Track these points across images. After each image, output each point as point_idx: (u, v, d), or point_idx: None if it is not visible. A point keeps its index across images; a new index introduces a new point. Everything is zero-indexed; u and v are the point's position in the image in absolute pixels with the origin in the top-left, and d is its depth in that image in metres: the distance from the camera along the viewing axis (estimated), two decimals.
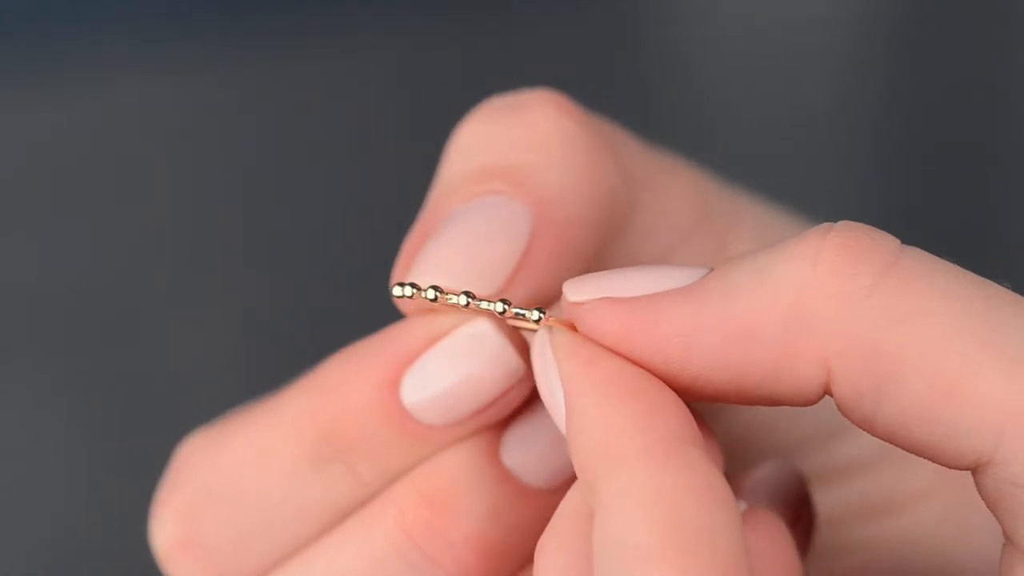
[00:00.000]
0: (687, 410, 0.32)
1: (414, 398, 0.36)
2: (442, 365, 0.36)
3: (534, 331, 0.35)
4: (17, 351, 0.94)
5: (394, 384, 0.36)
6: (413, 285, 0.35)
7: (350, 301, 0.91)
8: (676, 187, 0.40)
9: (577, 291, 0.34)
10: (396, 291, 0.36)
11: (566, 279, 0.35)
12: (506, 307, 0.35)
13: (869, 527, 0.43)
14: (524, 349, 0.37)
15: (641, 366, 0.33)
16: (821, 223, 0.42)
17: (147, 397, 0.90)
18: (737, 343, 0.32)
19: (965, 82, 1.09)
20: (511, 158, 0.37)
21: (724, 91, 1.10)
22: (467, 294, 0.35)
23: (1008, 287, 0.32)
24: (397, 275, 0.37)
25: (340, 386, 0.37)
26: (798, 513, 0.38)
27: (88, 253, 0.98)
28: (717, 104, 1.10)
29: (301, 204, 1.02)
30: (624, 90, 1.07)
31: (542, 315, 0.34)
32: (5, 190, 1.02)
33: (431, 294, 0.35)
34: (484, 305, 0.35)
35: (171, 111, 1.06)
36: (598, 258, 0.38)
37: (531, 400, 0.38)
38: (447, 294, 0.35)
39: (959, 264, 0.32)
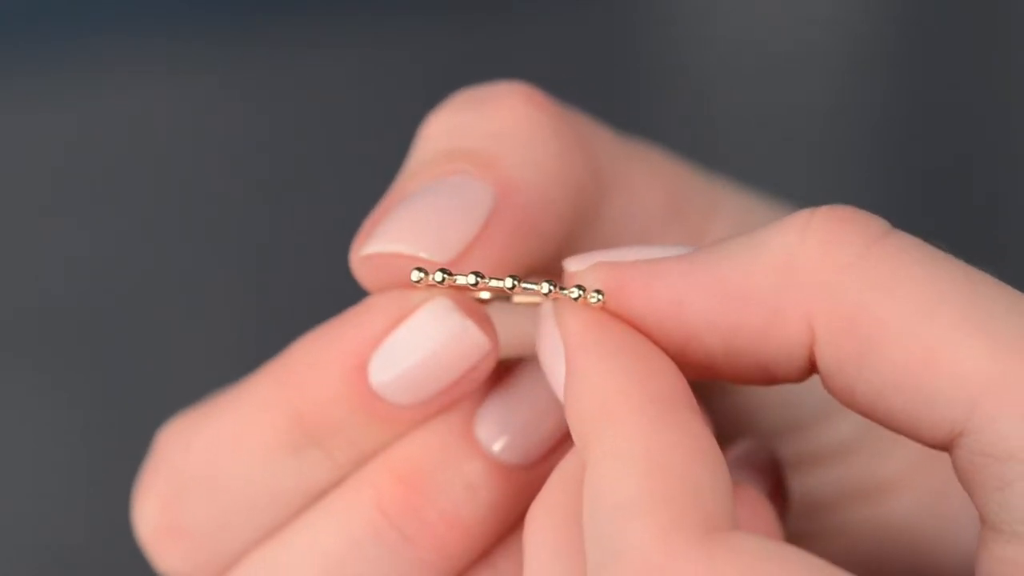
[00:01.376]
0: (683, 378, 0.33)
1: (381, 378, 0.36)
2: (407, 344, 0.36)
3: (535, 303, 0.36)
4: (18, 351, 0.94)
5: (361, 367, 0.36)
6: (420, 269, 0.36)
7: (352, 300, 0.90)
8: (649, 176, 0.41)
9: (577, 264, 0.35)
10: (414, 276, 0.36)
11: (523, 260, 0.37)
12: (515, 283, 0.35)
13: (847, 513, 0.43)
14: (486, 324, 0.37)
15: (637, 328, 0.34)
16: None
17: (147, 397, 0.90)
18: (726, 303, 0.33)
19: (965, 83, 1.09)
20: (476, 143, 0.38)
21: (723, 92, 1.10)
22: (476, 273, 0.35)
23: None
24: (356, 246, 0.37)
25: (309, 372, 0.37)
26: (772, 492, 0.39)
27: (88, 253, 0.98)
28: (716, 104, 1.10)
29: (301, 204, 1.02)
30: (623, 90, 1.07)
31: (552, 287, 0.35)
32: (5, 190, 1.02)
33: (439, 276, 0.35)
34: (493, 283, 0.35)
35: (171, 111, 1.06)
36: (568, 245, 0.39)
37: (504, 377, 0.38)
38: (455, 275, 0.35)
39: None
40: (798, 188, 1.00)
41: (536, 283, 0.35)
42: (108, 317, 0.95)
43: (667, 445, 0.31)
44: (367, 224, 0.38)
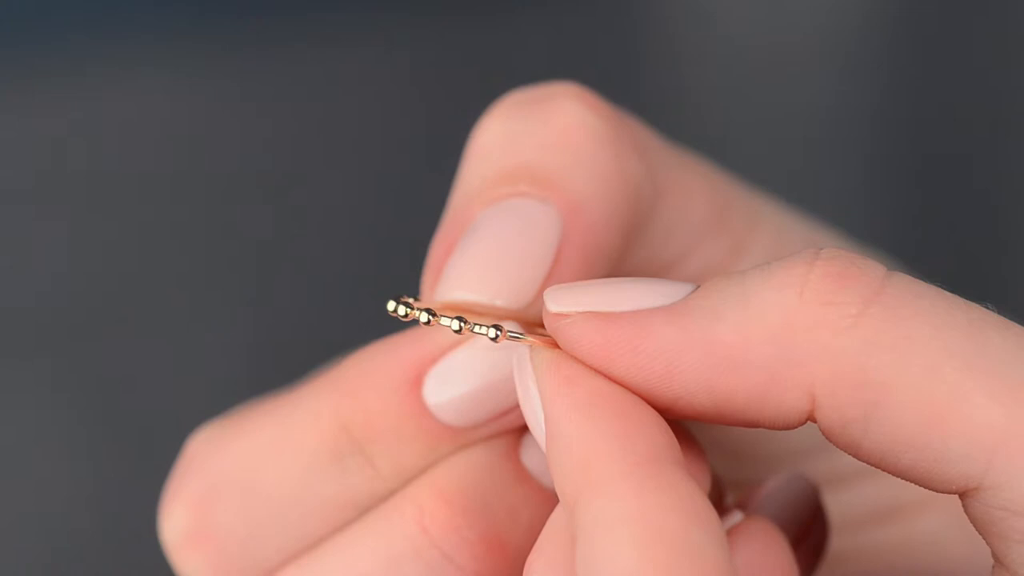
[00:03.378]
0: (668, 429, 0.32)
1: (436, 399, 0.36)
2: (466, 368, 0.36)
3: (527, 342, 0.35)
4: (19, 351, 0.94)
5: (417, 383, 0.36)
6: (407, 304, 0.35)
7: (352, 300, 0.91)
8: (696, 186, 0.40)
9: (559, 301, 0.33)
10: (390, 306, 0.35)
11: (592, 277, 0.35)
12: (498, 332, 0.34)
13: (874, 533, 0.43)
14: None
15: (621, 384, 0.32)
16: (834, 227, 0.42)
17: (148, 397, 0.90)
18: (721, 367, 0.32)
19: (965, 83, 1.09)
20: (535, 158, 0.37)
21: (723, 92, 1.10)
22: (459, 319, 0.35)
23: (992, 309, 0.32)
24: (427, 288, 0.37)
25: (363, 383, 0.36)
26: (810, 526, 0.38)
27: (88, 253, 0.98)
28: (716, 105, 1.10)
29: (301, 203, 1.02)
30: (622, 90, 1.07)
31: (499, 331, 0.34)
32: (5, 191, 1.02)
33: (424, 317, 0.35)
34: (478, 329, 0.35)
35: (171, 111, 1.06)
36: (621, 259, 0.38)
37: None
38: (440, 316, 0.35)
39: (958, 269, 0.32)
40: (798, 188, 1.00)
41: (521, 335, 0.34)
42: (108, 317, 0.95)
43: (659, 509, 0.30)
44: (433, 259, 0.37)
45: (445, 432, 0.36)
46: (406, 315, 0.35)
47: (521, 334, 0.34)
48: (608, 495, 0.30)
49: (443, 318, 0.35)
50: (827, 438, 0.32)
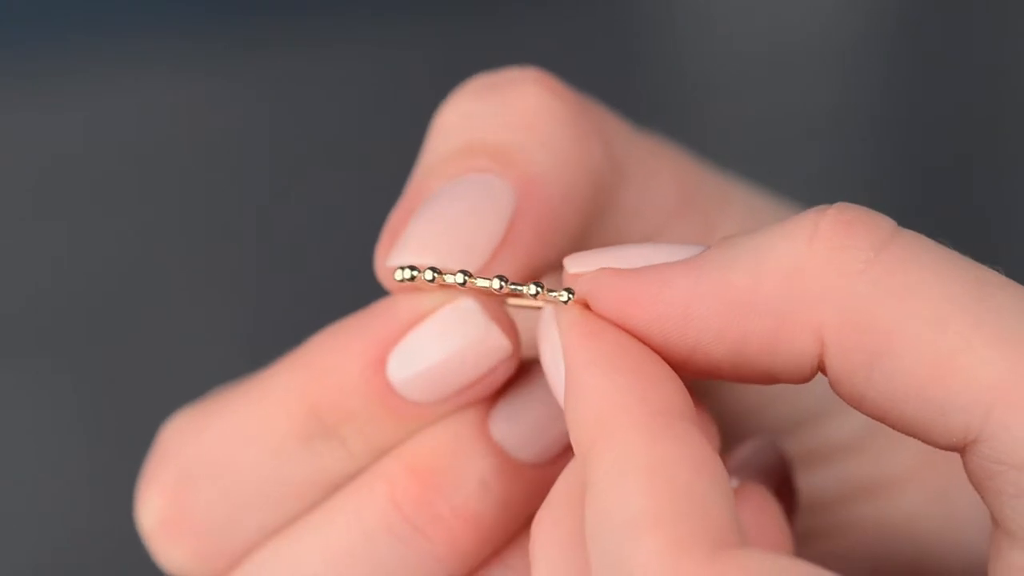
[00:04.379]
0: (683, 386, 0.33)
1: (400, 375, 0.36)
2: (428, 343, 0.36)
3: (536, 307, 0.35)
4: (19, 351, 0.94)
5: (380, 362, 0.36)
6: (412, 267, 0.35)
7: (352, 299, 0.90)
8: (662, 168, 0.40)
9: (578, 264, 0.34)
10: (398, 275, 0.35)
11: (549, 256, 0.36)
12: (503, 283, 0.35)
13: (853, 510, 0.43)
14: (510, 327, 0.37)
15: (639, 338, 0.33)
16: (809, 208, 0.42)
17: (148, 397, 0.90)
18: (734, 312, 0.32)
19: (966, 84, 1.09)
20: (495, 136, 0.37)
21: (723, 92, 1.10)
22: (464, 272, 0.35)
23: (1001, 271, 0.32)
24: (381, 252, 0.37)
25: (327, 364, 0.37)
26: (780, 490, 0.38)
27: (88, 252, 0.98)
28: (716, 106, 1.10)
29: (301, 203, 1.02)
30: (622, 90, 1.07)
31: (540, 289, 0.34)
32: (5, 190, 1.02)
33: (429, 275, 0.35)
34: (481, 283, 0.35)
35: (171, 111, 1.06)
36: (583, 238, 0.38)
37: (520, 375, 0.38)
38: (444, 274, 0.35)
39: None
40: (798, 187, 1.00)
41: (523, 285, 0.35)
42: (107, 316, 0.95)
43: (670, 460, 0.30)
44: (389, 227, 0.37)
45: (412, 410, 0.37)
46: (413, 278, 0.35)
47: (522, 286, 0.35)
48: (622, 444, 0.31)
49: (447, 275, 0.35)
50: (834, 389, 0.33)
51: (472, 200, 0.36)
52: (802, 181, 1.02)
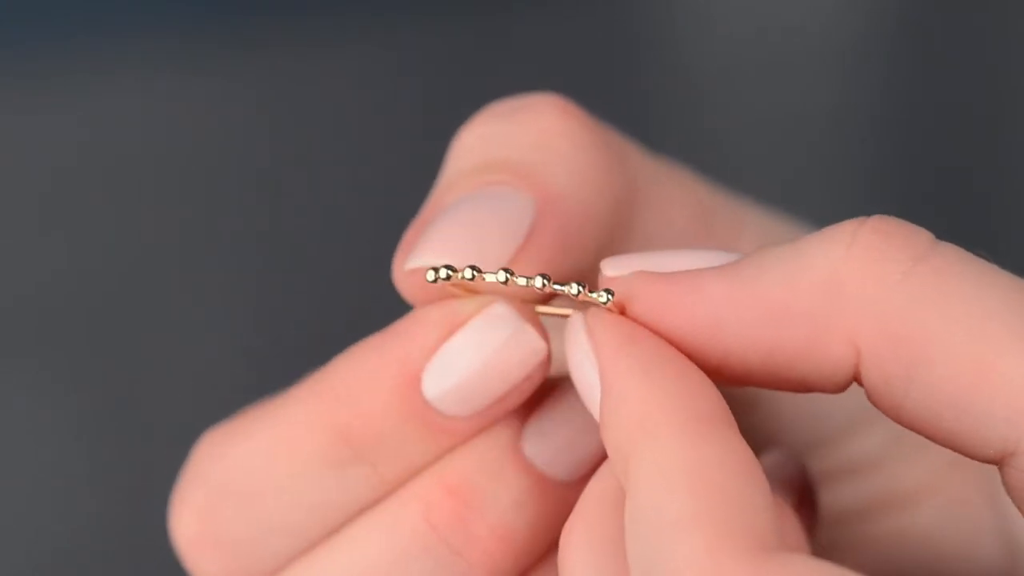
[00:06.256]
0: (718, 392, 0.33)
1: (436, 390, 0.36)
2: (463, 353, 0.36)
3: (563, 315, 0.35)
4: (21, 350, 0.94)
5: (415, 380, 0.36)
6: (449, 267, 0.35)
7: (351, 299, 0.91)
8: (678, 195, 0.40)
9: (615, 267, 0.34)
10: (430, 275, 0.35)
11: (566, 271, 0.36)
12: (545, 282, 0.34)
13: (872, 524, 0.43)
14: (541, 328, 0.36)
15: (673, 343, 0.33)
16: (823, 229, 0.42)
17: (148, 397, 0.90)
18: (770, 319, 0.32)
19: (967, 84, 1.09)
20: (514, 155, 0.37)
21: (723, 92, 1.10)
22: (505, 270, 0.35)
23: None
24: (399, 259, 0.37)
25: (358, 385, 0.36)
26: (801, 503, 0.38)
27: (89, 252, 0.98)
28: (716, 106, 1.10)
29: (301, 203, 1.02)
30: (622, 91, 1.07)
31: (582, 288, 0.34)
32: (6, 191, 1.02)
33: (468, 273, 0.34)
34: (522, 281, 0.35)
35: (171, 111, 1.06)
36: (598, 260, 0.38)
37: (551, 392, 0.38)
38: (484, 273, 0.35)
39: None
40: (798, 188, 1.00)
41: (565, 284, 0.34)
42: (107, 316, 0.95)
43: (711, 463, 0.30)
44: (408, 237, 0.37)
45: (449, 425, 0.36)
46: (448, 277, 0.35)
47: (565, 285, 0.34)
48: (664, 448, 0.31)
49: (488, 274, 0.35)
50: (870, 399, 0.32)
51: (489, 209, 0.36)
52: (802, 181, 1.02)
